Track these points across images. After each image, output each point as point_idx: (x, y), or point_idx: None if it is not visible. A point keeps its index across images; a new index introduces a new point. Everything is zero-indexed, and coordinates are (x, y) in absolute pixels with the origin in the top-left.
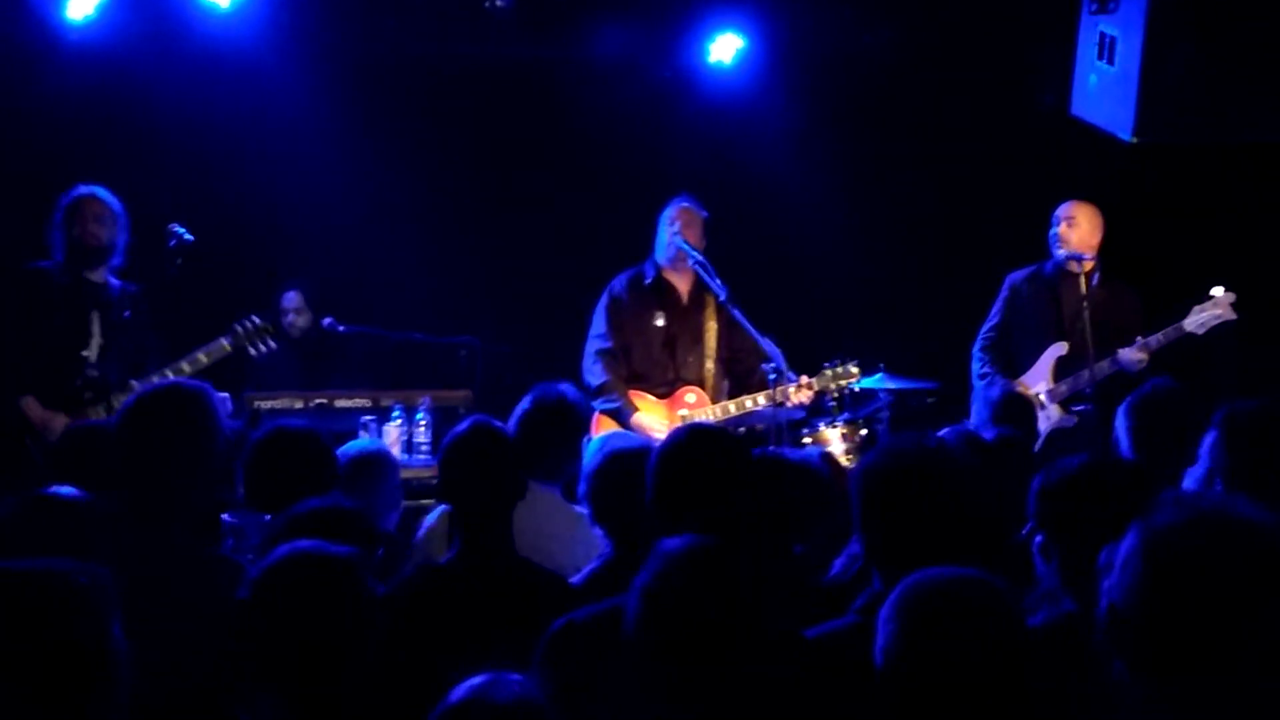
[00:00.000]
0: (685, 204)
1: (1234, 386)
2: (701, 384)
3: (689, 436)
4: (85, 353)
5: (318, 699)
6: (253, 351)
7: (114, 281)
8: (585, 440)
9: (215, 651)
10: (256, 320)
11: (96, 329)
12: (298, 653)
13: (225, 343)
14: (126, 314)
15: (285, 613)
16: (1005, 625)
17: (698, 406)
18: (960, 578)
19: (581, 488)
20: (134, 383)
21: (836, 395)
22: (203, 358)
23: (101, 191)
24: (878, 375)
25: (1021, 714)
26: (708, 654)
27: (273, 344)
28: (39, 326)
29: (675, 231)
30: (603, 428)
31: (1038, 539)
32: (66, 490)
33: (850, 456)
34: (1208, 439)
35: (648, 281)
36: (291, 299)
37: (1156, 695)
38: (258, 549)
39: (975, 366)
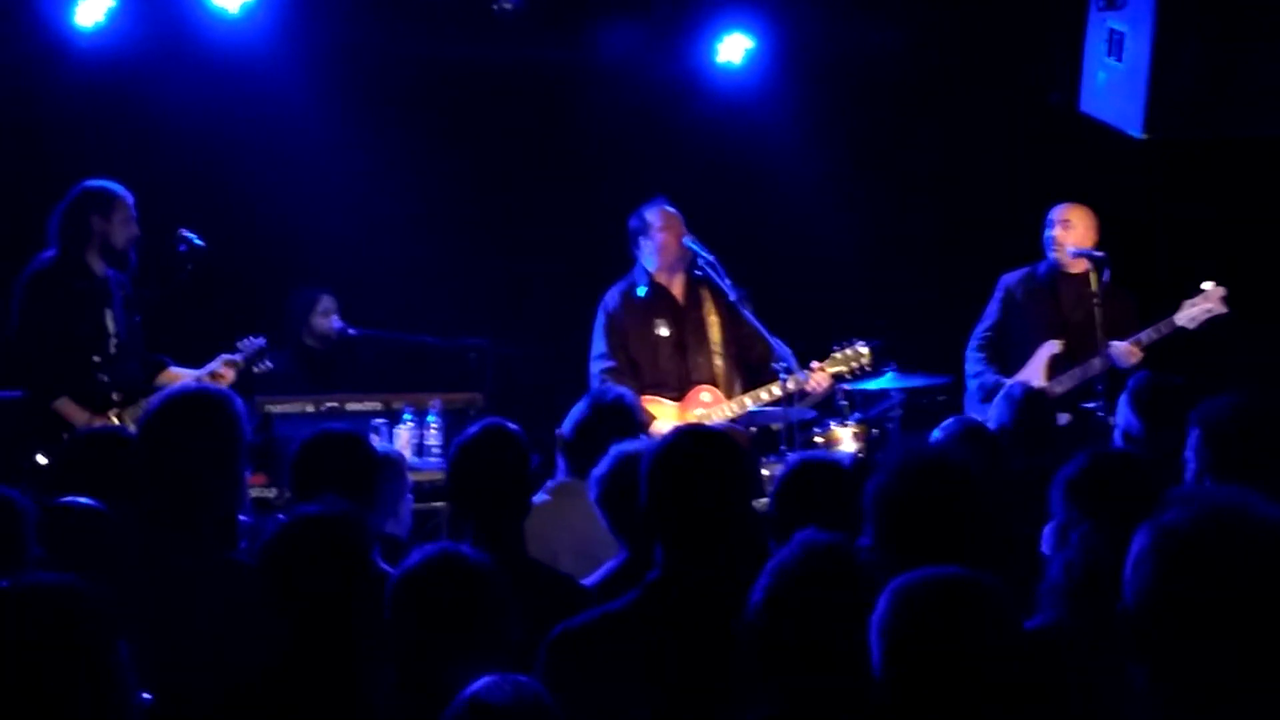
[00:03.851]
0: (667, 207)
1: (1236, 382)
2: (714, 382)
3: (680, 439)
4: (110, 352)
5: None
6: (255, 370)
7: (111, 274)
8: None
9: (236, 653)
10: (257, 341)
11: (111, 327)
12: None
13: (238, 359)
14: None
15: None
16: (1000, 625)
17: (713, 405)
18: (951, 578)
19: (592, 494)
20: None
21: (850, 377)
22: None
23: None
24: (888, 375)
25: (1018, 714)
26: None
27: (269, 364)
28: (67, 327)
29: (665, 236)
30: None
31: (1050, 531)
32: (83, 500)
33: (862, 457)
34: (1190, 439)
35: (642, 292)
36: (327, 303)
37: (1172, 698)
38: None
39: (969, 367)
